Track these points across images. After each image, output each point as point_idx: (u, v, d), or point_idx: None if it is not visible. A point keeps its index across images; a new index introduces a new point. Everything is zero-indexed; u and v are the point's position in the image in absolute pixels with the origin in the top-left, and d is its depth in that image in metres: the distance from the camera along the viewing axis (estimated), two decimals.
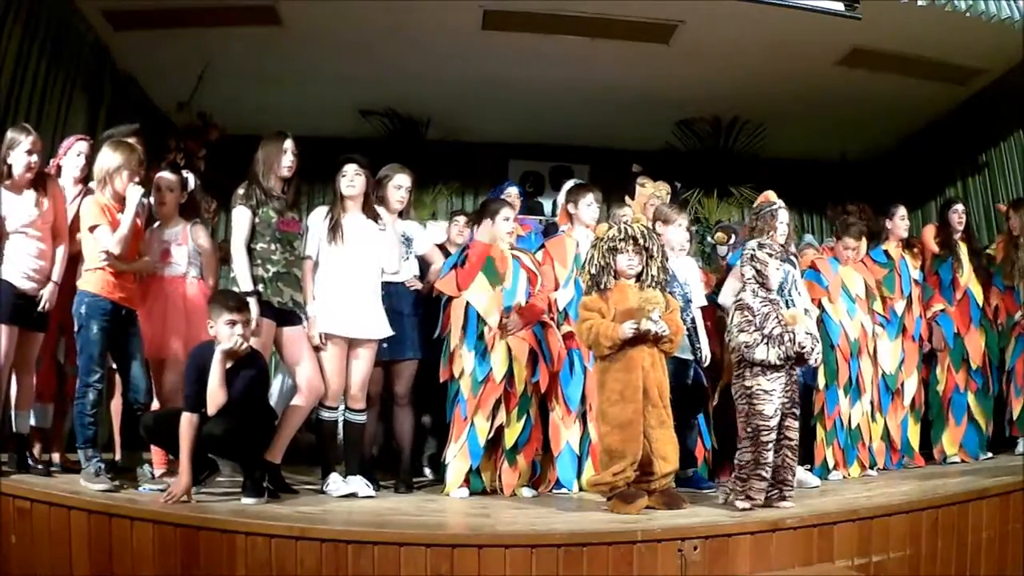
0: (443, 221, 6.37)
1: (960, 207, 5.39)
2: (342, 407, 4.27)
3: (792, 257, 4.83)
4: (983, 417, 5.22)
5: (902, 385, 5.09)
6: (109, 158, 3.91)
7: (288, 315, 4.09)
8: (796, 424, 3.75)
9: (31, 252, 3.84)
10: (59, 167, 4.30)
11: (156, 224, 4.33)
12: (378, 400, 4.50)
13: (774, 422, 3.66)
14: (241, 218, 4.05)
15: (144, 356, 4.04)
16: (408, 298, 4.52)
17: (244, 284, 4.00)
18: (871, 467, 4.87)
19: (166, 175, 4.41)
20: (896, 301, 5.11)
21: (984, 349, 5.24)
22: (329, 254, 4.23)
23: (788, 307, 4.40)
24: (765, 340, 3.69)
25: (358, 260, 4.25)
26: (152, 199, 4.32)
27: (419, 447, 4.91)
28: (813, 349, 3.73)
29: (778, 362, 3.68)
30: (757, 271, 3.84)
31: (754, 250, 3.89)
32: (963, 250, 5.31)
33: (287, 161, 4.14)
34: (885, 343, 5.04)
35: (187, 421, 3.60)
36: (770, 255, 3.85)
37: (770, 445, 3.65)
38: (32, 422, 4.15)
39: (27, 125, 3.95)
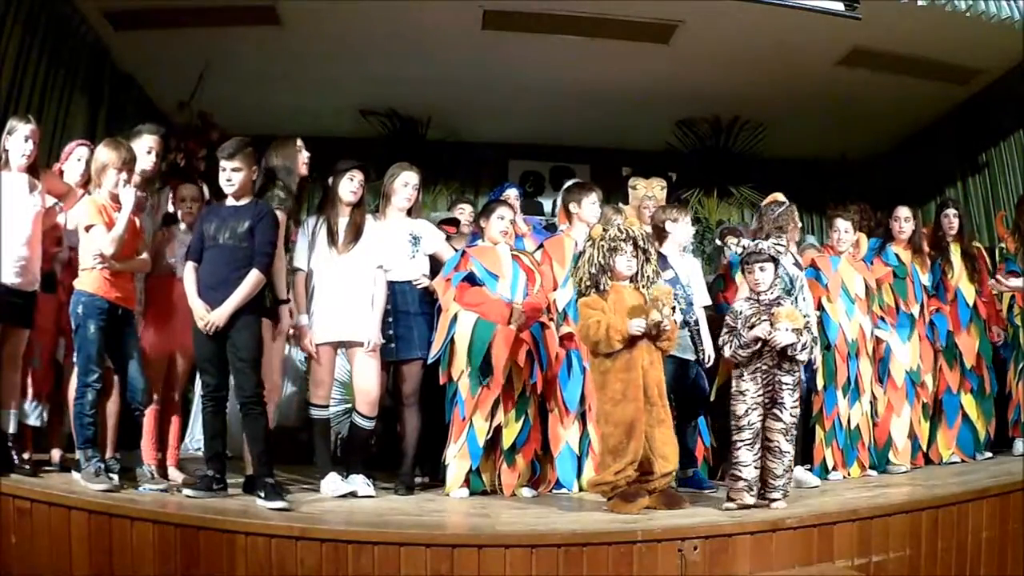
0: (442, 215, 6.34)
1: (952, 211, 5.36)
2: (334, 408, 4.28)
3: (799, 260, 4.83)
4: (980, 418, 5.22)
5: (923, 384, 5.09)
6: (97, 157, 3.92)
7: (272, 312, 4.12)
8: (778, 426, 3.73)
9: (18, 245, 3.79)
10: (62, 172, 4.31)
11: (183, 228, 4.36)
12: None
13: (744, 421, 3.74)
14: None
15: (143, 355, 4.04)
16: (416, 297, 4.50)
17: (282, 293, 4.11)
18: (870, 467, 4.87)
19: (191, 187, 4.48)
20: (912, 306, 5.09)
21: (978, 350, 5.23)
22: (323, 260, 4.25)
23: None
24: (730, 337, 3.82)
25: (350, 263, 4.25)
26: (178, 209, 4.41)
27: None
28: (801, 345, 3.72)
29: (740, 358, 3.77)
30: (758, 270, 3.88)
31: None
32: (955, 252, 5.31)
33: (304, 158, 4.24)
34: (897, 344, 5.03)
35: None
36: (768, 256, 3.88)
37: (741, 445, 3.72)
38: (32, 421, 4.16)
39: (28, 115, 3.96)
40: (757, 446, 3.73)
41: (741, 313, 3.84)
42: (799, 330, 3.73)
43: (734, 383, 3.84)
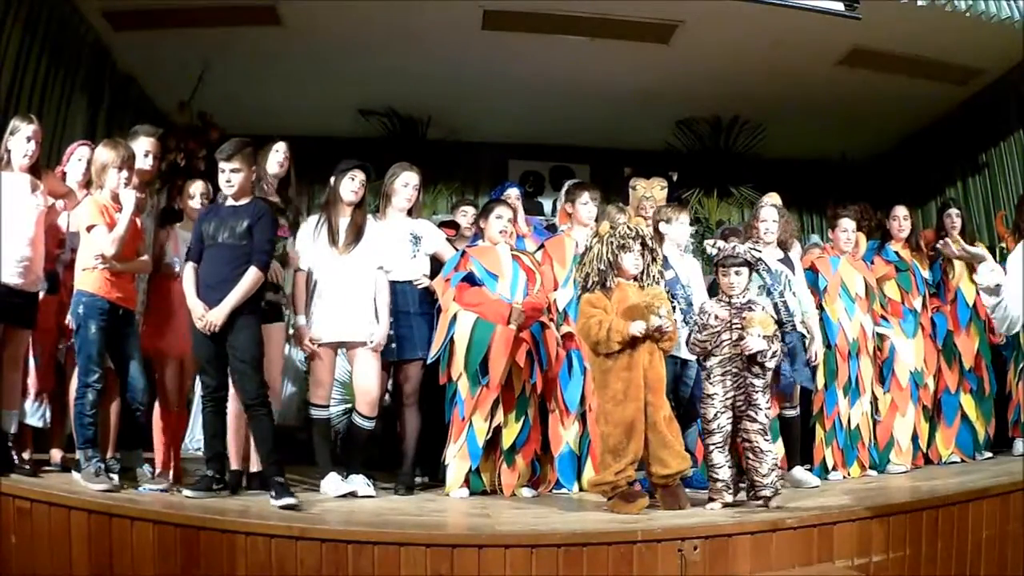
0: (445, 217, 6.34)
1: (954, 211, 5.38)
2: (335, 408, 4.28)
3: (783, 257, 4.81)
4: (980, 418, 5.22)
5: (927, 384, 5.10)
6: (96, 158, 3.92)
7: (267, 313, 4.12)
8: (755, 427, 3.77)
9: (20, 245, 3.79)
10: (64, 173, 4.31)
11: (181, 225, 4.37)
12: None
13: (714, 425, 3.81)
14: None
15: (143, 355, 4.05)
16: (416, 297, 4.51)
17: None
18: (870, 467, 4.87)
19: (201, 183, 4.47)
20: (915, 299, 5.11)
21: (978, 350, 5.23)
22: (323, 260, 4.25)
23: (784, 308, 4.47)
24: (695, 327, 3.91)
25: (350, 263, 4.26)
26: (185, 205, 4.42)
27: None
28: (771, 352, 3.76)
29: (698, 347, 3.87)
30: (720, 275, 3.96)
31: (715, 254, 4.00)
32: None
33: (279, 159, 4.37)
34: (903, 341, 5.03)
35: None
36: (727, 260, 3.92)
37: (713, 448, 3.81)
38: (35, 422, 4.16)
39: (31, 115, 3.96)
40: (728, 447, 3.82)
41: (710, 312, 3.88)
42: (770, 337, 3.76)
43: (703, 386, 3.89)
